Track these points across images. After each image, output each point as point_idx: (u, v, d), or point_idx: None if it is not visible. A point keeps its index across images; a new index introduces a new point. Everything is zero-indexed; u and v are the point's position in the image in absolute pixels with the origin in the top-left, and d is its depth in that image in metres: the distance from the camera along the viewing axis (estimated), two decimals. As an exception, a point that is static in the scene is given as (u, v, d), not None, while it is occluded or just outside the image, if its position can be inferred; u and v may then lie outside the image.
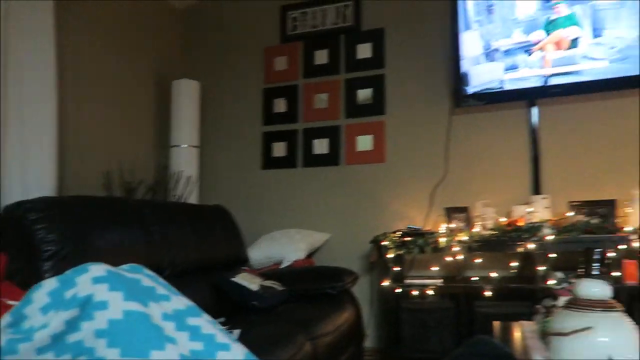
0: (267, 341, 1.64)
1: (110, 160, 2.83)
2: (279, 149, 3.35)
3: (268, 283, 2.25)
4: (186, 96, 3.18)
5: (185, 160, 3.11)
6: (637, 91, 2.61)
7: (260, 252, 2.88)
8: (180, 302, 1.03)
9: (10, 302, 1.24)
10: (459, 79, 2.80)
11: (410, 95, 3.09)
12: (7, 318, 0.91)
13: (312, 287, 2.36)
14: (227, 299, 2.15)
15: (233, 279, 2.17)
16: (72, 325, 0.87)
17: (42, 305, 0.91)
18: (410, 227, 2.67)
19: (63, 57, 2.35)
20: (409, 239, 2.53)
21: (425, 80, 3.06)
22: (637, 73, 2.48)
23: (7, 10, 2.07)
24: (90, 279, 0.91)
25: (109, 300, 0.90)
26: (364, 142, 3.16)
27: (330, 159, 3.22)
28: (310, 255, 3.03)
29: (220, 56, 3.55)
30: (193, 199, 3.08)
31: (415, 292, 2.49)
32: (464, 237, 2.44)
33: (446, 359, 1.25)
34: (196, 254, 2.31)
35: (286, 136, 3.34)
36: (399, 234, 2.59)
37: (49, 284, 0.93)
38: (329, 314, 2.13)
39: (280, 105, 3.38)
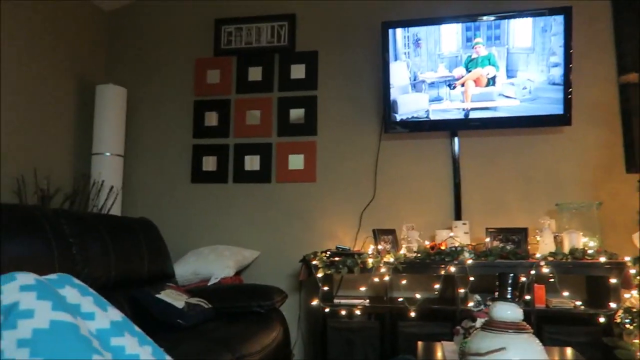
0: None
1: (24, 164, 2.60)
2: (209, 163, 3.28)
3: (194, 300, 2.17)
4: (111, 102, 3.03)
5: (108, 169, 2.94)
6: (545, 129, 2.88)
7: (187, 268, 2.77)
8: (105, 319, 0.98)
9: None
10: (388, 106, 2.92)
11: (342, 118, 3.17)
12: None
13: (240, 305, 2.30)
14: (149, 315, 2.03)
15: (157, 295, 2.06)
16: (-9, 334, 0.80)
17: (-40, 315, 0.82)
18: (339, 247, 2.70)
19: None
20: (338, 258, 2.56)
21: (356, 105, 3.16)
22: (545, 113, 2.74)
23: None
24: (17, 287, 0.85)
25: (35, 309, 0.85)
26: (296, 161, 3.18)
27: (262, 176, 3.20)
28: (239, 273, 2.96)
29: (149, 63, 3.43)
30: (116, 211, 2.91)
31: (343, 312, 2.52)
32: (390, 259, 2.51)
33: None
34: (118, 268, 2.17)
35: (217, 150, 3.27)
36: (328, 253, 2.61)
37: (-30, 292, 0.84)
38: (256, 333, 2.09)
39: (211, 119, 3.32)
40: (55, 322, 0.84)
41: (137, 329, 1.02)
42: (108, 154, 2.97)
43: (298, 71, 3.25)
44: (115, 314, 1.00)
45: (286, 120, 3.23)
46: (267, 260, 3.10)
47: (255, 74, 3.31)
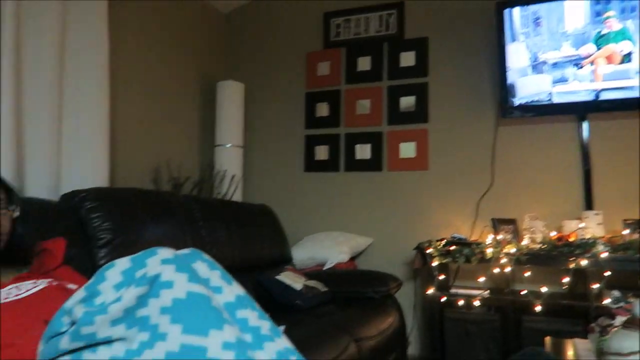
0: (311, 340, 1.62)
1: (159, 156, 2.88)
2: (321, 152, 3.35)
3: (311, 283, 2.24)
4: (230, 97, 3.23)
5: (229, 159, 3.14)
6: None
7: (303, 253, 2.87)
8: (231, 293, 1.03)
9: (70, 286, 1.27)
10: (505, 89, 2.75)
11: (455, 104, 3.05)
12: (81, 293, 0.93)
13: (356, 290, 2.33)
14: (269, 297, 2.14)
15: (277, 277, 2.16)
16: (141, 301, 0.89)
17: (115, 283, 0.93)
18: (455, 236, 2.61)
19: (115, 58, 2.41)
20: (454, 248, 2.48)
21: (470, 90, 3.02)
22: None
23: (64, 9, 2.13)
24: (159, 260, 0.93)
25: (174, 281, 0.92)
26: (407, 149, 3.13)
27: (373, 165, 3.20)
28: (353, 259, 3.00)
29: (263, 59, 3.59)
30: (237, 198, 3.11)
31: (460, 302, 2.43)
32: (512, 249, 2.36)
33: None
34: (241, 251, 2.32)
35: (328, 140, 3.34)
36: (443, 242, 2.54)
37: (122, 263, 0.95)
38: (372, 318, 2.10)
39: (322, 110, 3.39)
40: (191, 293, 0.91)
41: (257, 305, 1.08)
42: (229, 145, 3.17)
43: (408, 59, 3.19)
44: (239, 289, 1.06)
45: (396, 108, 3.19)
46: (381, 247, 3.10)
47: (364, 63, 3.31)
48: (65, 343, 0.90)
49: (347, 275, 2.48)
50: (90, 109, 2.18)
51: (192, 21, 3.31)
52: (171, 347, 0.85)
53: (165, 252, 0.96)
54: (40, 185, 1.97)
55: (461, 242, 2.52)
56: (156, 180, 2.77)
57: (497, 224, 2.61)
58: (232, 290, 1.02)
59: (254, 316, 1.00)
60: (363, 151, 3.24)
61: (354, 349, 1.80)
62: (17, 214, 1.22)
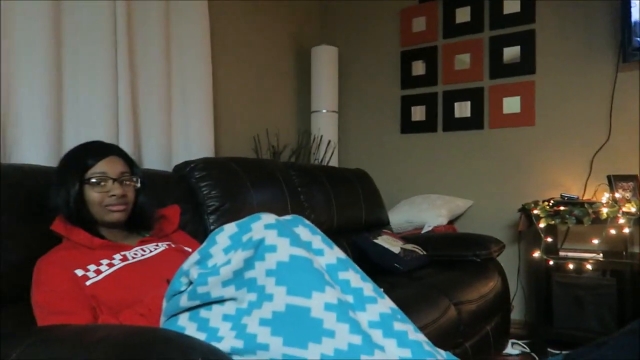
0: (410, 302, 1.62)
1: (258, 125, 3.01)
2: (418, 113, 3.27)
3: (409, 247, 2.24)
4: (325, 62, 3.23)
5: (325, 124, 3.18)
6: None
7: (400, 216, 2.87)
8: (332, 256, 1.06)
9: (186, 249, 1.40)
10: (628, 28, 2.44)
11: (566, 51, 2.78)
12: (195, 256, 1.02)
13: (455, 253, 2.29)
14: (366, 260, 2.17)
15: (375, 241, 2.19)
16: (248, 264, 0.96)
17: (224, 247, 1.01)
18: (565, 196, 2.44)
19: (213, 29, 2.50)
20: (563, 208, 2.32)
21: (584, 34, 2.72)
22: None
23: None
24: (263, 225, 0.99)
25: (277, 245, 0.97)
26: (511, 104, 2.94)
27: (473, 123, 3.06)
28: (452, 222, 2.94)
29: (356, 21, 3.53)
30: (333, 163, 3.16)
31: (570, 266, 2.29)
32: (632, 209, 2.16)
33: (619, 332, 1.13)
34: (339, 214, 2.38)
35: (425, 100, 3.24)
36: (551, 202, 2.39)
37: (230, 228, 1.03)
38: (473, 281, 2.06)
39: (418, 68, 3.28)
40: (294, 257, 0.96)
41: (358, 267, 1.10)
42: (324, 110, 3.21)
43: (512, 5, 2.95)
44: (339, 252, 1.09)
45: (499, 60, 2.99)
46: (481, 209, 2.99)
47: (463, 15, 3.12)
48: (184, 301, 1.00)
49: (446, 239, 2.43)
50: (194, 86, 2.32)
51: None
52: (277, 307, 0.92)
53: (268, 218, 1.02)
54: (154, 158, 2.16)
55: (572, 202, 2.35)
56: (256, 148, 2.90)
57: (615, 181, 2.39)
58: (333, 253, 1.06)
59: (356, 278, 1.03)
60: (462, 109, 3.11)
61: (454, 312, 1.79)
62: (138, 185, 1.35)
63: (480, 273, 2.15)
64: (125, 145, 1.97)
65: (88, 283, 1.15)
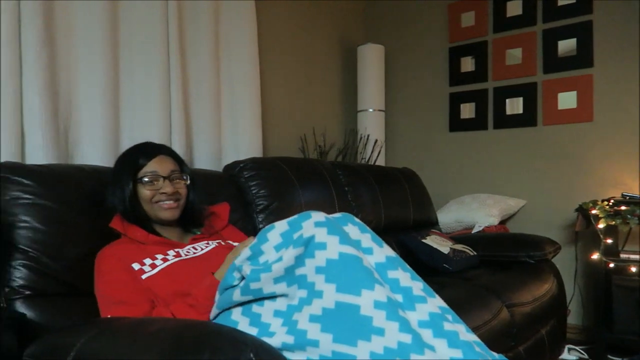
0: (460, 303, 1.58)
1: (305, 125, 3.03)
2: (467, 110, 3.19)
3: (459, 247, 2.19)
4: (371, 61, 3.22)
5: (371, 123, 3.17)
6: None
7: (449, 216, 2.82)
8: (381, 254, 1.06)
9: (233, 243, 1.43)
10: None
11: (626, 43, 2.64)
12: (247, 252, 1.05)
13: (507, 254, 2.22)
14: (415, 260, 2.14)
15: (423, 240, 2.16)
16: (299, 261, 0.97)
17: (275, 244, 1.03)
18: (626, 195, 2.32)
19: (260, 29, 2.53)
20: (625, 208, 2.20)
21: (648, 23, 2.58)
22: None
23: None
24: (313, 223, 1.00)
25: (327, 242, 0.98)
26: (567, 100, 2.82)
27: (526, 119, 2.96)
28: (503, 222, 2.86)
29: (402, 18, 3.49)
30: (380, 162, 3.14)
31: (633, 269, 2.17)
32: (701, 208, 2.02)
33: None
34: (386, 214, 2.36)
35: (475, 96, 3.16)
36: (611, 202, 2.27)
37: (281, 225, 1.05)
38: (526, 283, 1.99)
39: (467, 64, 3.21)
40: (343, 254, 0.97)
41: (408, 266, 1.09)
42: (371, 109, 3.19)
43: (567, -5, 2.83)
44: (389, 251, 1.09)
45: (553, 54, 2.87)
46: (535, 209, 2.89)
47: (514, 7, 3.02)
48: (237, 296, 1.03)
49: (498, 239, 2.36)
50: (243, 86, 2.37)
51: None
52: (327, 304, 0.92)
53: (318, 216, 1.03)
54: (205, 158, 2.22)
55: (634, 202, 2.23)
56: (303, 148, 2.92)
57: (682, 181, 2.25)
58: (383, 252, 1.05)
59: (405, 277, 1.02)
60: (514, 105, 3.01)
61: (506, 314, 1.74)
62: (188, 181, 1.39)
63: (534, 275, 2.07)
64: (178, 146, 2.04)
65: (144, 277, 1.20)
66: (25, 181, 1.28)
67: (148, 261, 1.23)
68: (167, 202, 1.32)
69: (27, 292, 1.21)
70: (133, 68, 1.96)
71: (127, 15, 1.95)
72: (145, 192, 1.31)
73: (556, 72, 2.86)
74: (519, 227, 2.88)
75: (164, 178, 1.32)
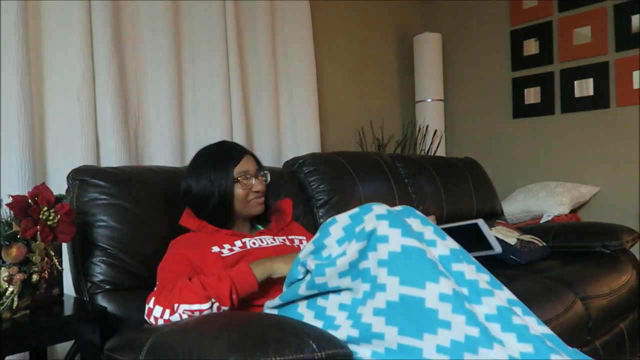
0: (530, 296, 1.52)
1: (362, 118, 3.02)
2: (532, 95, 3.06)
3: (527, 237, 2.10)
4: (428, 50, 3.15)
5: (431, 114, 3.11)
6: None
7: (515, 206, 2.71)
8: (445, 247, 1.04)
9: (300, 237, 1.45)
10: None
11: None
12: (310, 246, 1.06)
13: (580, 244, 2.10)
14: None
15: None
16: (362, 255, 0.98)
17: (338, 238, 1.04)
18: None
19: (315, 27, 2.55)
20: None
21: None
22: None
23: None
24: (374, 216, 1.00)
25: (389, 235, 0.97)
26: (643, 78, 2.64)
27: (597, 102, 2.79)
28: (574, 211, 2.72)
29: (458, 4, 3.39)
30: (441, 152, 3.08)
31: None
32: None
33: None
34: (448, 205, 2.31)
35: (540, 80, 3.02)
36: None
37: (342, 219, 1.05)
38: (601, 275, 1.87)
39: (530, 47, 3.07)
40: (405, 247, 0.96)
41: (472, 258, 1.07)
42: (430, 99, 3.13)
43: (641, -33, 2.64)
44: (452, 243, 1.06)
45: (627, 29, 2.69)
46: (610, 196, 2.72)
47: (581, -16, 2.86)
48: (302, 290, 1.05)
49: (570, 229, 2.23)
50: (300, 84, 2.41)
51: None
52: (391, 297, 0.92)
53: (380, 208, 1.02)
54: (265, 155, 2.27)
55: None
56: (361, 142, 2.91)
57: None
58: (447, 244, 1.04)
59: (471, 270, 1.00)
60: (584, 87, 2.85)
61: (581, 307, 1.65)
62: (269, 179, 1.43)
63: (610, 266, 1.95)
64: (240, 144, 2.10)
65: (223, 256, 1.25)
66: (102, 183, 1.37)
67: (227, 246, 1.28)
68: (257, 199, 1.37)
69: (107, 287, 1.29)
70: (195, 73, 2.04)
71: (188, 23, 2.03)
72: (239, 190, 1.35)
73: (631, 49, 2.68)
74: (592, 216, 2.73)
75: (254, 177, 1.37)
